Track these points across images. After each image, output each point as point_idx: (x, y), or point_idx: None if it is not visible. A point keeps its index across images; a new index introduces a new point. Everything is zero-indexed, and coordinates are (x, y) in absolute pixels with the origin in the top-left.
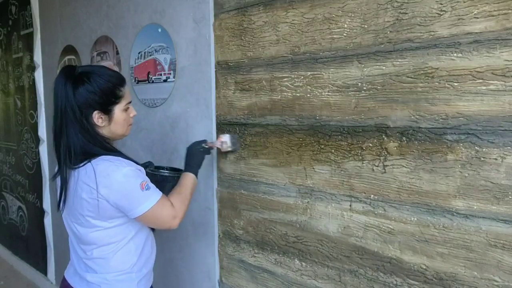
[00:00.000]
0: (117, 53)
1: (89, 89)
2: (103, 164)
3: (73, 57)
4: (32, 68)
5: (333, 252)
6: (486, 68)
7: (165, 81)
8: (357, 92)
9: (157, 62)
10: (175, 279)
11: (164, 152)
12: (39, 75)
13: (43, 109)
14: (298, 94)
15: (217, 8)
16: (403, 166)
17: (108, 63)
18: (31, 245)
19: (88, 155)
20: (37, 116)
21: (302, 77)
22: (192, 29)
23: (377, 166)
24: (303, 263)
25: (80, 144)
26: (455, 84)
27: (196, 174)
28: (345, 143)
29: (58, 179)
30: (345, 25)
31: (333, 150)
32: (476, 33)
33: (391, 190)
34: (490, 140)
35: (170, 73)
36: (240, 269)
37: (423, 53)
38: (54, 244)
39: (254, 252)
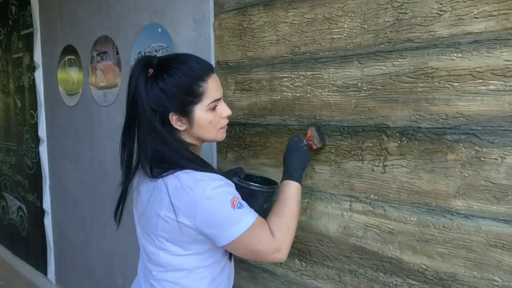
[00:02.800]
0: (117, 53)
1: (161, 87)
2: (185, 179)
3: (73, 57)
4: (32, 68)
5: (333, 252)
6: (486, 68)
7: None
8: (357, 92)
9: None
10: None
11: None
12: (39, 75)
13: (43, 109)
14: (298, 94)
15: (217, 8)
16: (403, 166)
17: (108, 64)
18: (31, 245)
19: (166, 166)
20: (37, 116)
21: (302, 77)
22: (192, 29)
23: (377, 166)
24: (303, 263)
25: (152, 151)
26: (455, 84)
27: (300, 182)
28: (345, 143)
29: (135, 189)
30: (345, 25)
31: (333, 150)
32: (476, 33)
33: (391, 190)
34: (490, 140)
35: None
36: (240, 269)
37: (423, 53)
38: (54, 244)
39: None
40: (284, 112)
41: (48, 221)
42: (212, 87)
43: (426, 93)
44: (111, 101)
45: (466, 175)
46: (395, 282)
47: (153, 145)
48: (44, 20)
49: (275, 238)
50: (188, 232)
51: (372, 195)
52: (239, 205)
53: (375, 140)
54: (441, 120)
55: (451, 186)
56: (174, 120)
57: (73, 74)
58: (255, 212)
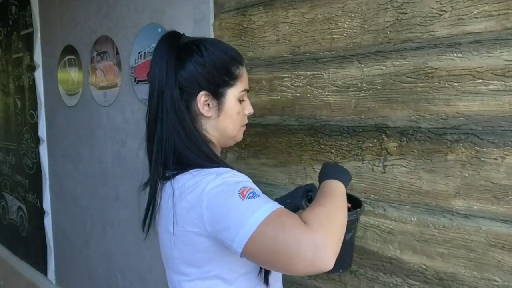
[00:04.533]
0: (117, 53)
1: (198, 61)
2: (190, 179)
3: (73, 57)
4: (32, 68)
5: None
6: (486, 68)
7: None
8: (357, 92)
9: None
10: None
11: None
12: (39, 75)
13: (43, 109)
14: (298, 94)
15: (217, 8)
16: (403, 166)
17: (108, 64)
18: (31, 245)
19: (177, 167)
20: (37, 116)
21: (302, 77)
22: (192, 29)
23: (377, 166)
24: None
25: (173, 143)
26: (455, 84)
27: (344, 183)
28: (345, 143)
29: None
30: (345, 25)
31: (333, 150)
32: (476, 33)
33: (391, 190)
34: (490, 140)
35: None
36: None
37: (423, 53)
38: (54, 244)
39: None
40: (284, 112)
41: (48, 221)
42: (245, 75)
43: (426, 93)
44: (111, 101)
45: (466, 175)
46: (395, 282)
47: (172, 135)
48: (44, 20)
49: (309, 227)
50: (204, 246)
51: (372, 195)
52: (251, 194)
53: (375, 140)
54: (441, 120)
55: (451, 186)
56: (202, 102)
57: (73, 74)
58: (277, 204)
